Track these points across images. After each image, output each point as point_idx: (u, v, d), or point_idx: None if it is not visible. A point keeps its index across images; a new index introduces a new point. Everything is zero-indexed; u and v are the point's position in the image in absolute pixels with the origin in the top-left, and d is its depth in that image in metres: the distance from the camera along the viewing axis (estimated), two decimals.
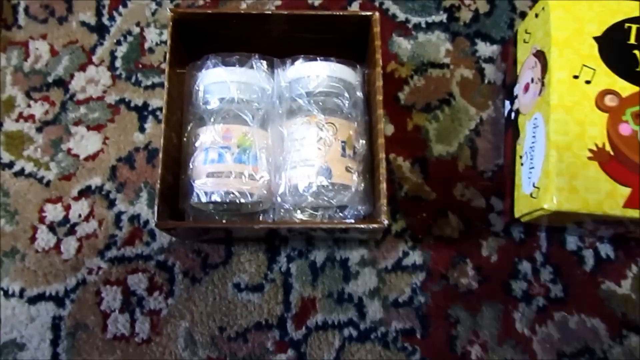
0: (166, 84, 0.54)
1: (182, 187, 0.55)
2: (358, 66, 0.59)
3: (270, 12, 0.57)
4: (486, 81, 0.70)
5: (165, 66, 0.55)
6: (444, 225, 0.64)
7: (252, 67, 0.56)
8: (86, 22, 0.71)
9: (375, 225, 0.51)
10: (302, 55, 0.57)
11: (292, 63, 0.57)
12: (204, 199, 0.52)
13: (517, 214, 0.59)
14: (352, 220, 0.56)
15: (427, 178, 0.66)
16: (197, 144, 0.54)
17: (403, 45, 0.70)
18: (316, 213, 0.56)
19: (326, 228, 0.54)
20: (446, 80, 0.69)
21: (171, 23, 0.56)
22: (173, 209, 0.55)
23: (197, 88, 0.56)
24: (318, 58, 0.57)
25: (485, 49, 0.71)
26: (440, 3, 0.72)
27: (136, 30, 0.70)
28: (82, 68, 0.69)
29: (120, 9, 0.71)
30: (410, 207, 0.64)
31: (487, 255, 0.63)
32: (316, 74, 0.56)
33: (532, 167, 0.57)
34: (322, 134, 0.54)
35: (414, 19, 0.72)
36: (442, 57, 0.70)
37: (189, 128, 0.56)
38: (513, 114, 0.64)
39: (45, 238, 0.63)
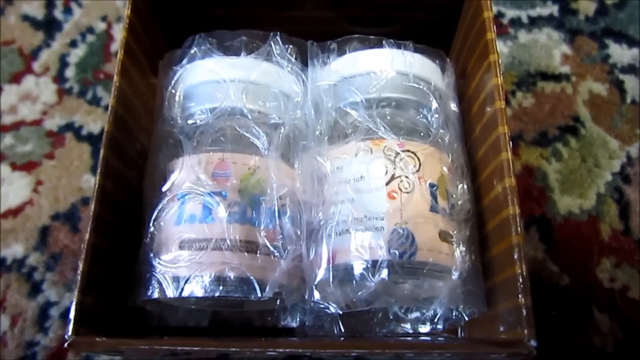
0: (116, 79, 0.30)
1: (137, 265, 0.30)
2: (448, 60, 0.35)
3: None
4: (629, 100, 0.45)
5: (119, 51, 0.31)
6: (587, 331, 0.38)
7: (269, 55, 0.32)
8: (30, 15, 0.48)
9: (511, 352, 0.25)
10: (357, 36, 0.33)
11: (340, 50, 0.33)
12: (169, 293, 0.27)
13: None
14: (440, 336, 0.30)
15: (552, 250, 0.40)
16: (164, 188, 0.30)
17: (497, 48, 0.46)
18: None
19: (411, 353, 0.27)
20: (568, 98, 0.45)
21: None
22: (116, 304, 0.30)
23: (172, 90, 0.32)
24: (384, 41, 0.32)
25: (621, 53, 0.47)
26: None
27: (101, 26, 0.48)
28: (16, 79, 0.46)
29: None
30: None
31: None
32: (381, 68, 0.32)
33: None
34: (395, 171, 0.29)
35: (511, 13, 0.48)
36: (557, 64, 0.46)
37: (154, 161, 0.31)
38: None
39: None
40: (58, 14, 0.48)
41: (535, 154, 0.43)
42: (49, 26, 0.48)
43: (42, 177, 0.42)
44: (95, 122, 0.44)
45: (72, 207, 0.41)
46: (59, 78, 0.46)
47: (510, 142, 0.29)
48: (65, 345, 0.25)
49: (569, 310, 0.38)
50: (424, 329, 0.34)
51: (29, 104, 0.45)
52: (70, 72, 0.46)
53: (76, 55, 0.47)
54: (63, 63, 0.46)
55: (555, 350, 0.37)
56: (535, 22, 0.48)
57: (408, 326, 0.35)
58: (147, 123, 0.35)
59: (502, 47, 0.47)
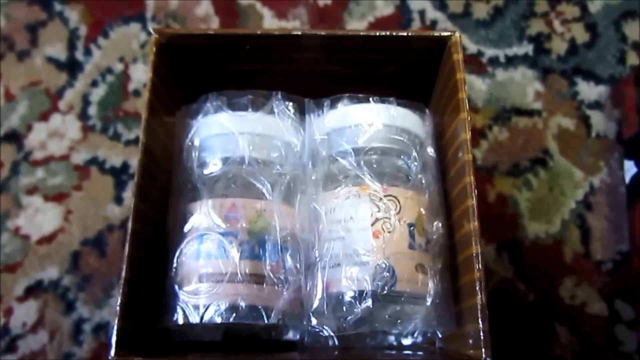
0: (142, 136, 0.36)
1: (162, 295, 0.35)
2: (427, 110, 0.40)
3: (300, 33, 0.38)
4: (594, 134, 0.50)
5: (144, 106, 0.36)
6: (549, 343, 0.44)
7: (272, 111, 0.38)
8: (54, 57, 0.54)
9: None
10: (347, 95, 0.38)
11: (333, 105, 0.38)
12: (192, 319, 0.33)
13: None
14: (420, 349, 0.36)
15: (521, 271, 0.46)
16: (185, 228, 0.35)
17: (476, 85, 0.52)
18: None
19: None
20: (539, 133, 0.50)
21: (155, 49, 0.38)
22: (146, 325, 0.35)
23: (189, 142, 0.38)
24: (371, 98, 0.38)
25: (588, 90, 0.52)
26: (523, 31, 0.54)
27: (119, 67, 0.53)
28: (44, 117, 0.51)
29: (100, 40, 0.54)
30: (499, 313, 0.44)
31: None
32: (368, 121, 0.37)
33: None
34: (379, 214, 0.35)
35: (490, 52, 0.53)
36: (530, 101, 0.51)
37: (175, 203, 0.37)
38: None
39: None
40: (79, 55, 0.54)
41: (508, 184, 0.48)
42: (72, 67, 0.53)
43: (72, 207, 0.48)
44: (117, 156, 0.50)
45: (99, 234, 0.47)
46: (83, 116, 0.51)
47: (475, 191, 0.34)
48: None
49: (533, 324, 0.44)
50: (407, 341, 0.40)
51: (57, 140, 0.50)
52: (92, 110, 0.51)
53: (97, 94, 0.52)
54: (86, 102, 0.52)
55: (520, 359, 0.43)
56: (511, 61, 0.53)
57: (393, 338, 0.40)
58: (166, 165, 0.40)
59: (480, 85, 0.52)
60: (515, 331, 0.44)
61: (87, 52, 0.54)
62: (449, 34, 0.38)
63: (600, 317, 0.45)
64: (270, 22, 0.54)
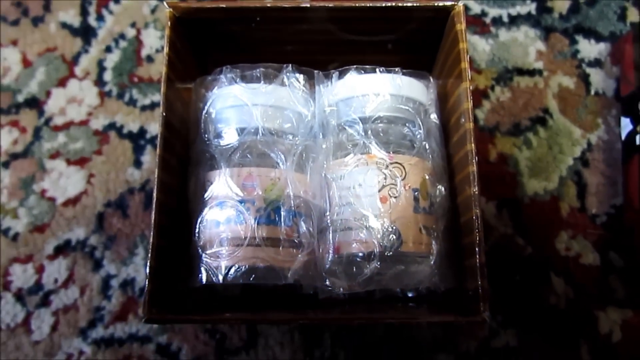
0: (162, 110, 0.38)
1: (187, 258, 0.38)
2: (431, 79, 0.42)
3: (307, 5, 0.40)
4: (593, 92, 0.52)
5: (162, 79, 0.38)
6: (545, 292, 0.47)
7: (283, 83, 0.40)
8: (68, 23, 0.55)
9: (470, 320, 0.34)
10: (354, 66, 0.40)
11: (341, 76, 0.40)
12: (216, 279, 0.36)
13: None
14: (423, 301, 0.39)
15: (520, 226, 0.48)
16: (206, 196, 0.38)
17: (479, 46, 0.53)
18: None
19: (397, 323, 0.37)
20: (539, 92, 0.52)
21: (169, 23, 0.39)
22: (172, 283, 0.39)
23: (206, 114, 0.40)
24: (377, 69, 0.40)
25: (589, 48, 0.53)
26: None
27: (131, 32, 0.54)
28: (62, 83, 0.53)
29: (112, 6, 0.55)
30: (499, 267, 0.47)
31: (607, 332, 0.46)
32: (375, 91, 0.39)
33: None
34: (385, 181, 0.37)
35: (493, 11, 0.54)
36: (532, 60, 0.53)
37: (194, 172, 0.40)
38: (639, 138, 0.47)
39: (10, 311, 0.47)
40: (92, 21, 0.55)
41: (509, 143, 0.51)
42: (86, 33, 0.55)
43: (94, 171, 0.51)
44: (134, 121, 0.52)
45: (120, 196, 0.50)
46: (99, 82, 0.53)
47: (476, 157, 0.37)
48: (143, 321, 0.34)
49: (530, 275, 0.47)
50: (411, 293, 0.44)
51: (76, 106, 0.52)
52: (108, 76, 0.53)
53: (112, 60, 0.54)
54: (101, 68, 0.53)
55: (518, 308, 0.46)
56: (514, 21, 0.54)
57: (398, 290, 0.44)
58: (183, 134, 0.43)
59: (484, 45, 0.53)
60: (513, 282, 0.47)
61: (100, 18, 0.55)
62: (452, 3, 0.39)
63: (594, 267, 0.48)
64: None
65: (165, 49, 0.39)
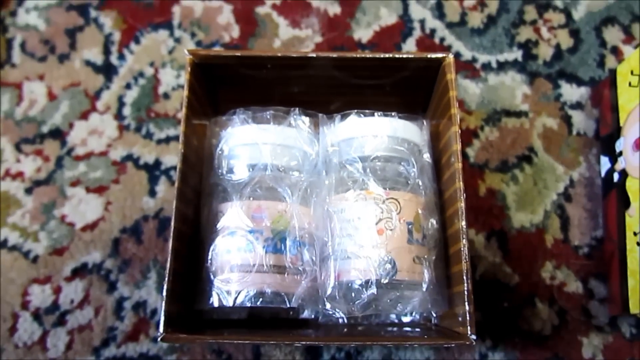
0: (181, 147, 0.42)
1: (199, 282, 0.42)
2: (424, 122, 0.46)
3: (314, 55, 0.44)
4: (575, 132, 0.56)
5: (181, 119, 0.42)
6: (531, 318, 0.50)
7: (291, 124, 0.44)
8: (91, 61, 0.59)
9: (458, 342, 0.38)
10: (355, 110, 0.44)
11: (343, 119, 0.45)
12: (226, 303, 0.40)
13: (633, 309, 0.46)
14: (417, 326, 0.43)
15: (507, 256, 0.52)
16: (218, 226, 0.42)
17: (470, 89, 0.58)
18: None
19: (390, 344, 0.40)
20: (525, 132, 0.56)
21: (189, 68, 0.44)
22: (184, 305, 0.42)
23: (220, 151, 0.44)
24: (376, 113, 0.44)
25: (571, 92, 0.58)
26: (513, 38, 0.59)
27: (149, 71, 0.59)
28: (84, 116, 0.57)
29: (132, 45, 0.60)
30: (488, 294, 0.51)
31: (591, 357, 0.49)
32: (374, 133, 0.43)
33: None
34: (382, 215, 0.41)
35: (483, 58, 0.59)
36: (518, 103, 0.57)
37: (207, 204, 0.43)
38: (617, 176, 0.51)
39: (28, 329, 0.51)
40: (114, 59, 0.59)
41: (497, 179, 0.55)
42: (107, 70, 0.59)
43: (111, 199, 0.54)
44: (150, 153, 0.56)
45: (136, 223, 0.54)
46: (119, 116, 0.57)
47: (464, 194, 0.40)
48: (158, 340, 0.38)
49: (517, 302, 0.51)
50: (406, 319, 0.47)
51: (96, 137, 0.56)
52: (127, 111, 0.57)
53: (131, 96, 0.58)
54: (121, 103, 0.58)
55: (505, 333, 0.50)
56: (502, 67, 0.58)
57: (394, 316, 0.47)
58: (198, 167, 0.47)
59: (474, 89, 0.58)
60: (501, 308, 0.51)
61: (121, 57, 0.59)
62: (443, 55, 0.44)
63: (577, 294, 0.51)
64: (285, 30, 0.59)
65: (185, 92, 0.43)
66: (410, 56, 0.44)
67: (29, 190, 0.55)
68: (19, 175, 0.55)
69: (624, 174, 0.50)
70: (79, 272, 0.52)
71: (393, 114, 0.44)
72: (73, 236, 0.53)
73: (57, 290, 0.52)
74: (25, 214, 0.54)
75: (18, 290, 0.52)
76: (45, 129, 0.57)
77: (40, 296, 0.52)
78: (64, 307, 0.51)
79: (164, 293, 0.39)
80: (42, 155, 0.56)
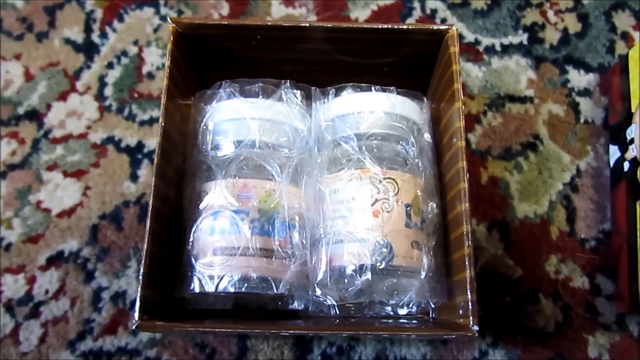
0: (161, 120, 0.39)
1: (180, 266, 0.39)
2: (425, 99, 0.43)
3: (307, 25, 0.41)
4: (582, 120, 0.53)
5: (162, 90, 0.39)
6: (534, 314, 0.47)
7: (281, 98, 0.41)
8: (71, 39, 0.56)
9: (459, 334, 0.34)
10: (351, 84, 0.41)
11: (337, 94, 0.41)
12: (208, 288, 0.36)
13: None
14: (414, 318, 0.39)
15: (510, 248, 0.49)
16: (201, 206, 0.39)
17: (473, 72, 0.55)
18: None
19: (386, 334, 0.37)
20: (530, 119, 0.53)
21: (172, 37, 0.41)
22: (164, 293, 0.39)
23: (204, 126, 0.41)
24: (373, 87, 0.41)
25: (578, 78, 0.55)
26: (518, 21, 0.56)
27: (133, 50, 0.56)
28: (63, 97, 0.54)
29: (115, 23, 0.56)
30: (489, 287, 0.48)
31: (596, 356, 0.46)
32: (370, 109, 0.40)
33: None
34: (378, 195, 0.38)
35: (486, 40, 0.56)
36: (523, 88, 0.54)
37: (190, 183, 0.40)
38: (627, 165, 0.48)
39: None
40: (95, 38, 0.56)
41: (500, 167, 0.52)
42: (89, 49, 0.56)
43: (90, 183, 0.51)
44: (132, 136, 0.53)
45: (116, 209, 0.50)
46: (100, 96, 0.54)
47: (467, 175, 0.37)
48: (133, 327, 0.34)
49: (519, 297, 0.48)
50: (402, 311, 0.44)
51: (75, 119, 0.53)
52: (108, 91, 0.54)
53: (113, 76, 0.55)
54: (102, 83, 0.54)
55: (506, 329, 0.47)
56: (506, 50, 0.55)
57: (389, 309, 0.44)
58: (181, 146, 0.43)
59: (477, 72, 0.55)
60: (503, 303, 0.47)
61: (103, 35, 0.56)
62: (446, 27, 0.41)
63: (582, 290, 0.48)
64: (278, 9, 0.56)
65: (167, 62, 0.40)
66: (411, 27, 0.41)
67: (2, 175, 0.51)
68: None
69: (635, 162, 0.47)
70: (55, 261, 0.49)
71: (392, 88, 0.41)
72: (49, 223, 0.50)
73: (31, 280, 0.48)
74: None
75: None
76: (21, 110, 0.54)
77: (12, 286, 0.48)
78: (38, 298, 0.48)
79: (140, 277, 0.35)
80: (17, 137, 0.53)
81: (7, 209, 0.50)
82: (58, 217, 0.50)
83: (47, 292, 0.48)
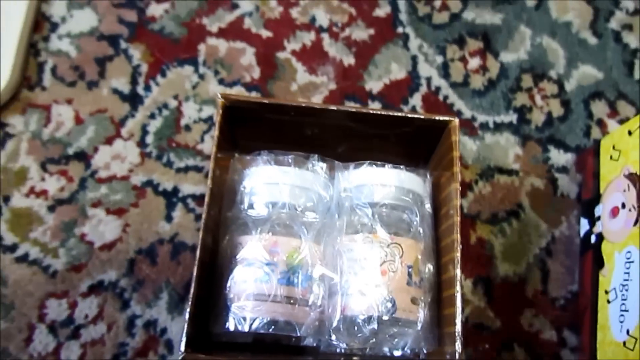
0: (209, 182, 0.46)
1: (215, 306, 0.46)
2: (428, 175, 0.51)
3: (334, 108, 0.49)
4: (559, 193, 0.62)
5: (211, 157, 0.47)
6: None
7: (309, 169, 0.49)
8: (119, 89, 0.63)
9: None
10: (368, 161, 0.49)
11: (356, 167, 0.49)
12: (242, 328, 0.44)
13: None
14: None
15: (491, 301, 0.57)
16: (238, 256, 0.46)
17: (468, 145, 0.63)
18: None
19: None
20: (515, 189, 0.61)
21: (221, 110, 0.48)
22: (200, 329, 0.46)
23: (243, 188, 0.48)
24: (386, 165, 0.49)
25: (558, 156, 0.63)
26: (510, 102, 0.65)
27: (173, 103, 0.63)
28: (109, 141, 0.61)
29: (158, 78, 0.64)
30: (471, 335, 0.55)
31: None
32: (383, 182, 0.48)
33: (626, 310, 0.49)
34: (386, 257, 0.46)
35: (481, 117, 0.64)
36: (510, 162, 0.63)
37: (227, 234, 0.48)
38: (594, 238, 0.56)
39: (43, 341, 0.54)
40: (140, 90, 0.64)
41: (487, 230, 0.60)
42: (133, 99, 0.63)
43: (129, 221, 0.58)
44: (169, 181, 0.60)
45: (151, 245, 0.57)
46: (141, 143, 0.61)
47: (460, 245, 0.45)
48: (179, 359, 0.41)
49: (497, 345, 0.55)
50: (397, 353, 0.51)
51: (119, 162, 0.60)
52: (149, 139, 0.61)
53: (154, 125, 0.62)
54: (144, 131, 0.62)
55: None
56: (498, 127, 0.64)
57: (387, 349, 0.51)
58: (218, 200, 0.51)
59: (472, 145, 0.63)
60: (482, 349, 0.55)
61: (147, 88, 0.63)
62: (449, 119, 0.49)
63: (551, 342, 0.56)
64: (302, 75, 0.64)
65: (216, 132, 0.48)
66: (420, 116, 0.49)
67: (51, 208, 0.58)
68: (43, 193, 0.59)
69: (600, 237, 0.55)
70: (95, 289, 0.56)
71: (401, 167, 0.49)
72: (91, 254, 0.57)
73: (73, 305, 0.55)
74: (46, 230, 0.57)
75: (35, 303, 0.55)
76: (70, 150, 0.61)
77: (56, 310, 0.55)
78: (79, 321, 0.54)
79: (186, 316, 0.43)
80: (66, 175, 0.60)
81: (54, 240, 0.57)
82: (100, 249, 0.57)
83: (86, 316, 0.55)
